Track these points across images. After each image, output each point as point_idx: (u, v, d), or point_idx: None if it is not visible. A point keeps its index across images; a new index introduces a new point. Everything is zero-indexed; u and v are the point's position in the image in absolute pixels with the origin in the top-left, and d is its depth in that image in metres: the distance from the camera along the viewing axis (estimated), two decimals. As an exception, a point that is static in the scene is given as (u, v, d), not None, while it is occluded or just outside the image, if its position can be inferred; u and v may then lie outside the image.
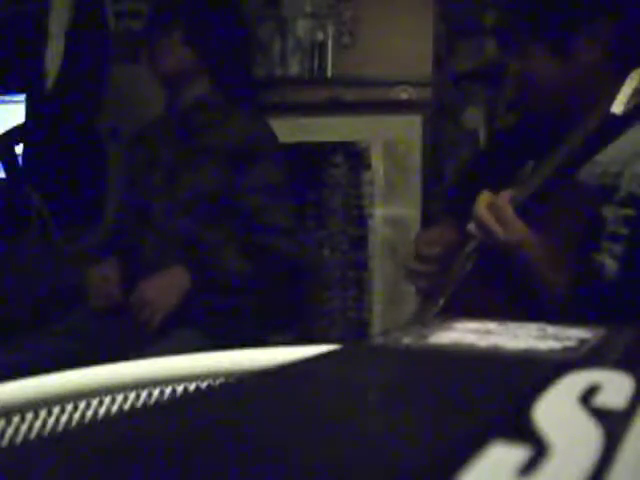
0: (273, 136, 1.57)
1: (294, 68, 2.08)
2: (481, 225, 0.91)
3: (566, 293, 0.86)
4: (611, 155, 0.85)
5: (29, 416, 0.39)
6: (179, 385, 0.43)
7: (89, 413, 0.41)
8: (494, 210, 0.89)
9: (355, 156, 2.04)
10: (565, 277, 0.87)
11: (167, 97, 1.60)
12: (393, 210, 2.03)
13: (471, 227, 0.93)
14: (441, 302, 0.99)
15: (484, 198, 0.92)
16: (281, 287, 1.59)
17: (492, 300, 0.93)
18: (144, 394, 0.42)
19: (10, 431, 0.38)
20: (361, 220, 2.04)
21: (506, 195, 0.90)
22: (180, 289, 1.41)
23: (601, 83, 0.89)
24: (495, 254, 0.92)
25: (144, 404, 0.42)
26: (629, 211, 0.83)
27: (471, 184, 1.20)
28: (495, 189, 1.00)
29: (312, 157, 2.04)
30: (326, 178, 2.04)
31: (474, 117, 1.99)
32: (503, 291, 0.94)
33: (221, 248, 1.47)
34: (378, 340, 0.25)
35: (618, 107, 0.74)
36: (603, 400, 0.16)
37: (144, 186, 1.57)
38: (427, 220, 1.94)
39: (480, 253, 0.97)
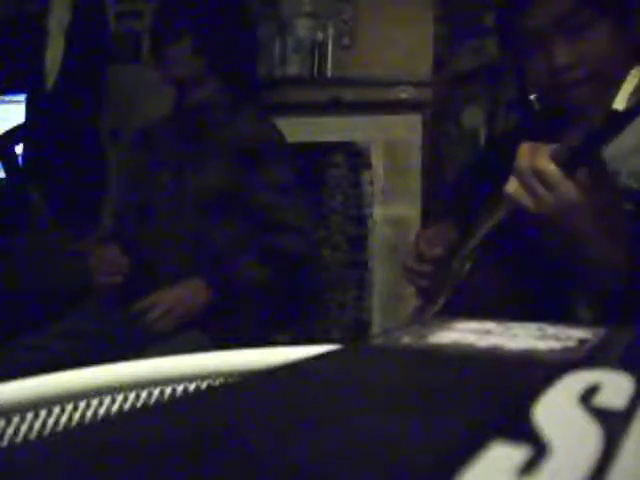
0: (281, 136, 1.58)
1: (294, 68, 2.08)
2: (527, 185, 0.77)
3: (620, 276, 0.77)
4: (609, 152, 0.85)
5: (29, 416, 0.39)
6: (179, 385, 0.43)
7: (89, 413, 0.41)
8: (536, 172, 0.76)
9: (355, 156, 2.04)
10: (620, 256, 0.77)
11: (175, 97, 1.61)
12: (393, 210, 2.03)
13: (511, 188, 0.79)
14: (441, 301, 0.99)
15: (526, 151, 0.78)
16: (295, 288, 1.59)
17: (500, 296, 0.92)
18: (144, 394, 0.42)
19: (10, 431, 0.38)
20: (361, 220, 2.04)
21: (545, 150, 0.77)
22: (197, 304, 1.41)
23: None
24: (510, 247, 0.90)
25: (144, 404, 0.42)
26: (627, 207, 0.83)
27: (471, 184, 1.20)
28: (495, 191, 0.99)
29: (312, 157, 2.04)
30: (326, 178, 2.04)
31: (474, 117, 1.99)
32: (519, 287, 0.92)
33: (239, 257, 1.46)
34: (378, 340, 0.25)
35: (620, 103, 0.72)
36: (603, 400, 0.16)
37: (150, 185, 1.57)
38: (427, 220, 1.94)
39: (489, 248, 0.95)
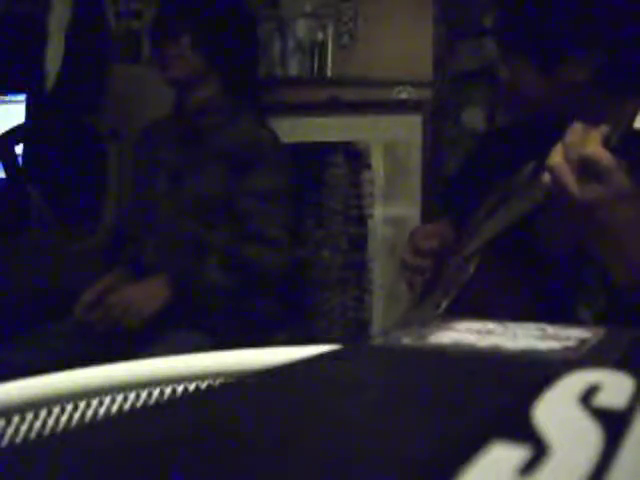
0: (277, 141, 1.56)
1: (294, 68, 2.08)
2: (556, 179, 0.71)
3: None
4: None
5: (29, 416, 0.39)
6: (179, 385, 0.43)
7: (89, 413, 0.41)
8: (586, 159, 0.69)
9: (355, 156, 2.04)
10: None
11: (175, 98, 1.60)
12: (393, 210, 2.03)
13: (554, 161, 0.73)
14: (444, 305, 0.98)
15: (577, 133, 0.71)
16: (265, 297, 1.56)
17: (506, 301, 0.91)
18: (144, 394, 0.42)
19: (10, 431, 0.38)
20: (361, 220, 2.04)
21: (597, 134, 0.69)
22: (159, 298, 1.41)
23: (587, 106, 0.88)
24: (517, 250, 0.89)
25: (144, 404, 0.42)
26: None
27: (468, 182, 1.20)
28: (492, 188, 0.99)
29: (312, 157, 2.04)
30: (326, 178, 2.04)
31: (474, 117, 1.99)
32: (526, 289, 0.91)
33: (206, 260, 1.45)
34: (378, 340, 0.25)
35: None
36: (603, 400, 0.16)
37: (148, 187, 1.57)
38: (427, 220, 1.94)
39: (498, 250, 0.94)
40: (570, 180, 0.70)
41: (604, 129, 0.69)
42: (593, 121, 0.71)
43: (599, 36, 0.85)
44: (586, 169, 0.68)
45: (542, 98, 0.91)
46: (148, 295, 1.41)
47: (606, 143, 0.68)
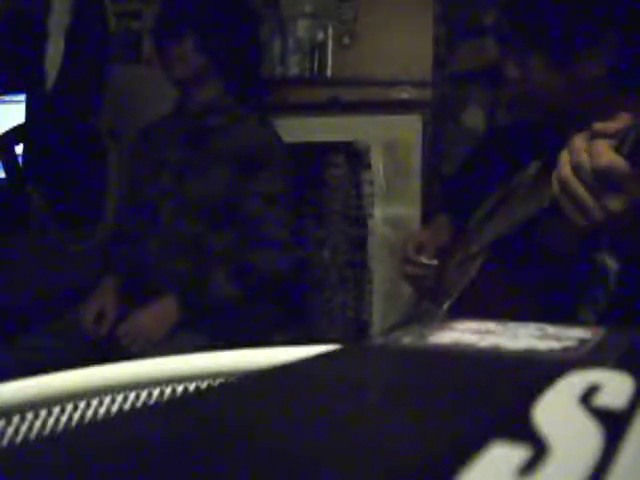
0: (280, 145, 1.56)
1: (294, 68, 2.08)
2: (591, 188, 0.66)
3: None
4: None
5: (29, 416, 0.39)
6: (179, 385, 0.43)
7: (89, 413, 0.41)
8: (602, 170, 0.65)
9: (355, 156, 2.04)
10: None
11: (177, 97, 1.60)
12: (393, 210, 2.03)
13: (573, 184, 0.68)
14: (446, 305, 0.98)
15: (580, 145, 0.67)
16: (267, 299, 1.56)
17: (514, 299, 0.91)
18: (144, 394, 0.42)
19: (10, 431, 0.38)
20: (361, 220, 2.04)
21: (606, 143, 0.65)
22: (169, 321, 1.41)
23: (602, 99, 0.87)
24: (522, 248, 0.89)
25: (144, 404, 0.42)
26: None
27: (469, 180, 1.20)
28: (495, 184, 0.99)
29: (312, 157, 2.04)
30: (326, 178, 2.04)
31: (474, 117, 1.99)
32: (532, 288, 0.90)
33: (210, 273, 1.45)
34: (378, 340, 0.25)
35: None
36: (603, 400, 0.16)
37: (151, 187, 1.56)
38: (427, 220, 1.94)
39: (502, 248, 0.93)
40: (584, 194, 0.67)
41: (618, 135, 0.66)
42: (607, 120, 0.70)
43: (614, 30, 0.85)
44: (602, 179, 0.65)
45: (555, 96, 0.90)
46: (158, 321, 1.41)
47: (618, 151, 0.65)
